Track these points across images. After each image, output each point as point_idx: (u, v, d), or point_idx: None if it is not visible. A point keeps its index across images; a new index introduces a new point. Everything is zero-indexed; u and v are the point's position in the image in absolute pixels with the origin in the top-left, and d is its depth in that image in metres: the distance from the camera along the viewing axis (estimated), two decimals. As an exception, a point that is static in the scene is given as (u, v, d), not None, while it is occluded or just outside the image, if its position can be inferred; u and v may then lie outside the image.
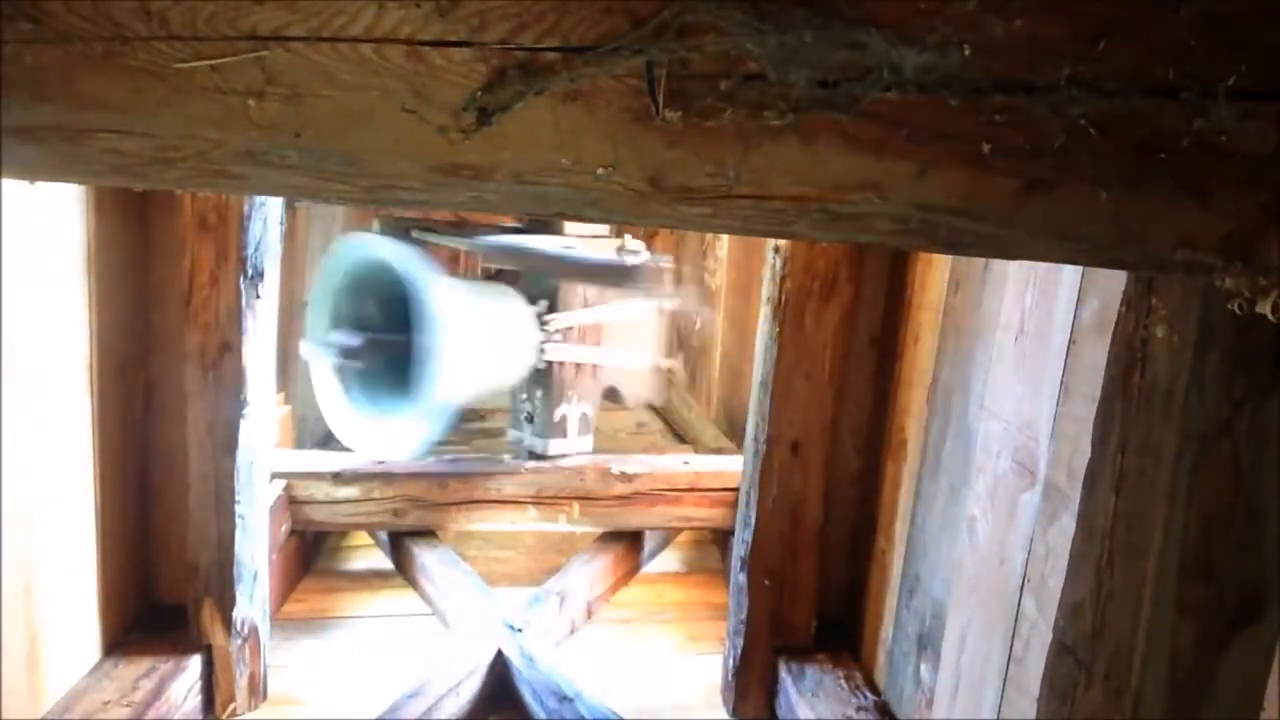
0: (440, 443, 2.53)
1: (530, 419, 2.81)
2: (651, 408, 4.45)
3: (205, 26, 0.62)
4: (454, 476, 2.68)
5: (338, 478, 2.62)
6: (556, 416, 2.75)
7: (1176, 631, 0.85)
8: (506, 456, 2.81)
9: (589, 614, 2.68)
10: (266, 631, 2.22)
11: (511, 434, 2.91)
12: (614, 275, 2.70)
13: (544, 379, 2.76)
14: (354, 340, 2.32)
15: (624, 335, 2.92)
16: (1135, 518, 0.88)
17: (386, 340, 2.40)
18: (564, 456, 2.77)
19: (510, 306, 2.68)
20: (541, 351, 2.69)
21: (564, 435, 2.78)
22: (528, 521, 2.72)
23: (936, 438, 1.83)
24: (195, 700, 2.07)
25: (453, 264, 4.09)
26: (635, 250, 2.73)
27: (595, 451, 2.87)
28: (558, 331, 2.71)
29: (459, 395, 2.45)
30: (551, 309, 2.72)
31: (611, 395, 2.98)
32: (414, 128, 0.65)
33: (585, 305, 2.78)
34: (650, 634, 2.64)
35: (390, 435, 2.39)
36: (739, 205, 0.69)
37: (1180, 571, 0.84)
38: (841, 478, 2.23)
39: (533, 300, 2.72)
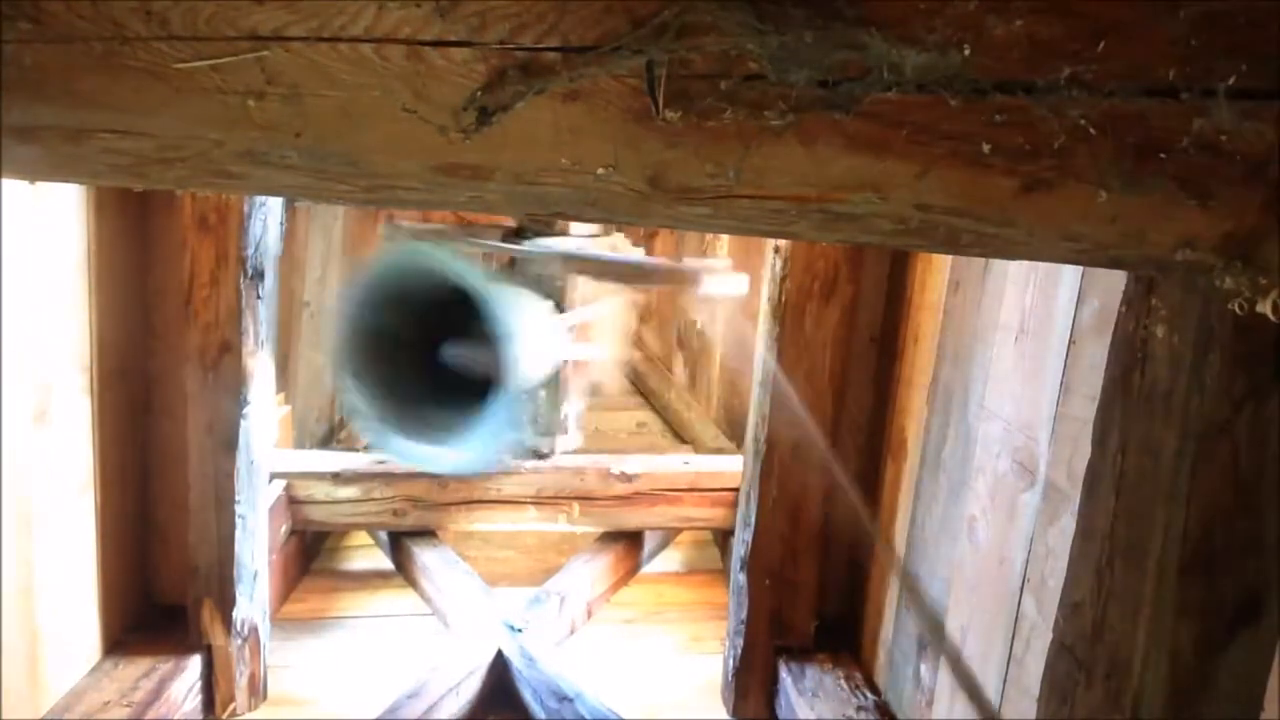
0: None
1: (534, 419, 2.80)
2: (652, 408, 4.47)
3: (205, 26, 0.62)
4: (454, 476, 2.68)
5: (338, 478, 2.62)
6: (562, 414, 2.74)
7: (1176, 631, 0.85)
8: (506, 456, 2.81)
9: (589, 614, 2.68)
10: (266, 631, 2.22)
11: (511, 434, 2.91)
12: (678, 278, 2.70)
13: (552, 378, 2.75)
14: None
15: (600, 330, 2.92)
16: (1135, 518, 0.88)
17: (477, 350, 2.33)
18: (564, 454, 2.76)
19: (538, 310, 2.67)
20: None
21: (566, 433, 2.78)
22: (528, 521, 2.72)
23: (936, 438, 1.83)
24: (195, 700, 2.07)
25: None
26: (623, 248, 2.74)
27: (595, 451, 2.87)
28: (570, 330, 2.70)
29: (522, 393, 2.42)
30: (559, 308, 2.71)
31: (594, 390, 3.00)
32: (414, 128, 0.65)
33: (582, 303, 2.76)
34: (650, 634, 2.64)
35: (473, 447, 2.30)
36: (739, 205, 0.69)
37: (1180, 571, 0.84)
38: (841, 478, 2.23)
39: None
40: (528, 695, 2.15)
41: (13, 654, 1.67)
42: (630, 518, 2.77)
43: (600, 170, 0.67)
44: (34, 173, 0.76)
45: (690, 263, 2.75)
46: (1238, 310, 0.69)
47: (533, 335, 2.44)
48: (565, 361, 2.73)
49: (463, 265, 2.19)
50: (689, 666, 2.47)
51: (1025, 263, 1.48)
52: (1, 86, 0.64)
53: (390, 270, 2.29)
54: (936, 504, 1.81)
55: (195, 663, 2.07)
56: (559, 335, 2.64)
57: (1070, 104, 0.62)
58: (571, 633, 2.59)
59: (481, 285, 2.15)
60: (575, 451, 2.81)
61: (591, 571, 2.75)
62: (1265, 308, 0.67)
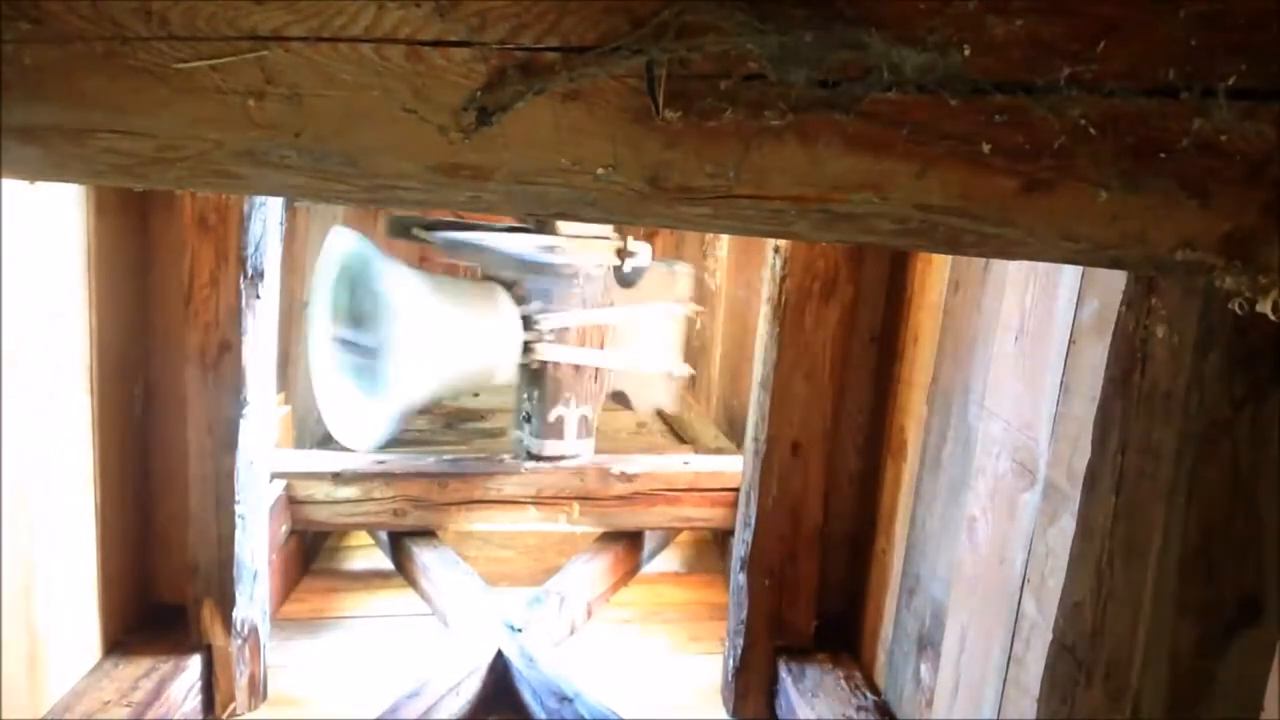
0: (396, 441, 2.56)
1: (529, 419, 2.80)
2: (659, 412, 4.44)
3: (205, 26, 0.62)
4: (454, 476, 2.68)
5: (338, 478, 2.62)
6: (551, 417, 2.74)
7: (1176, 631, 0.85)
8: (506, 456, 2.81)
9: (589, 614, 2.68)
10: (266, 631, 2.22)
11: (514, 434, 2.91)
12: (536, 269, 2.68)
13: (539, 379, 2.75)
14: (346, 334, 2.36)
15: (638, 339, 2.89)
16: (1135, 518, 0.88)
17: (355, 337, 2.43)
18: (561, 458, 2.76)
19: (487, 306, 2.66)
20: (530, 351, 2.68)
21: (560, 437, 2.77)
22: (528, 521, 2.72)
23: (936, 438, 1.83)
24: (195, 700, 2.07)
25: (451, 266, 4.09)
26: (634, 252, 2.72)
27: (595, 452, 2.87)
28: (551, 332, 2.69)
29: (416, 392, 2.47)
30: (546, 309, 2.71)
31: (619, 399, 2.96)
32: (414, 128, 0.65)
33: (584, 306, 2.76)
34: (650, 634, 2.64)
35: (358, 426, 2.42)
36: (739, 205, 0.69)
37: (1180, 571, 0.84)
38: (841, 478, 2.22)
39: (525, 301, 2.71)
40: (528, 695, 2.15)
41: (13, 654, 1.67)
42: (630, 518, 2.77)
43: (600, 170, 0.67)
44: (34, 173, 0.76)
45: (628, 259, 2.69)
46: (1237, 310, 0.69)
47: (446, 329, 2.48)
48: (553, 364, 2.71)
49: (367, 255, 2.31)
50: (689, 666, 2.47)
51: (1025, 263, 1.48)
52: (1, 86, 0.64)
53: (339, 256, 2.42)
54: (936, 504, 1.81)
55: (195, 663, 2.07)
56: (515, 335, 2.62)
57: (1070, 104, 0.62)
58: (571, 633, 2.59)
59: (374, 275, 2.33)
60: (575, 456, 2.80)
61: (591, 571, 2.75)
62: (1265, 308, 0.67)
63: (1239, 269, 0.67)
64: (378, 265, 2.37)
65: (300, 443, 3.27)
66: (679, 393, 3.12)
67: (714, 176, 0.67)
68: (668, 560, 3.10)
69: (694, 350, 4.47)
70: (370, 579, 2.86)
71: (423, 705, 2.02)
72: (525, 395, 2.82)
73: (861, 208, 0.68)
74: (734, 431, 3.56)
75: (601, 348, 2.81)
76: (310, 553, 2.92)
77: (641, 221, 0.74)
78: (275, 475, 2.50)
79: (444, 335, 2.52)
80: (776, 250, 2.06)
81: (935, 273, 1.90)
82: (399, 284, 2.40)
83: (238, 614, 2.09)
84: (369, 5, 0.61)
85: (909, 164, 0.65)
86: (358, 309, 2.52)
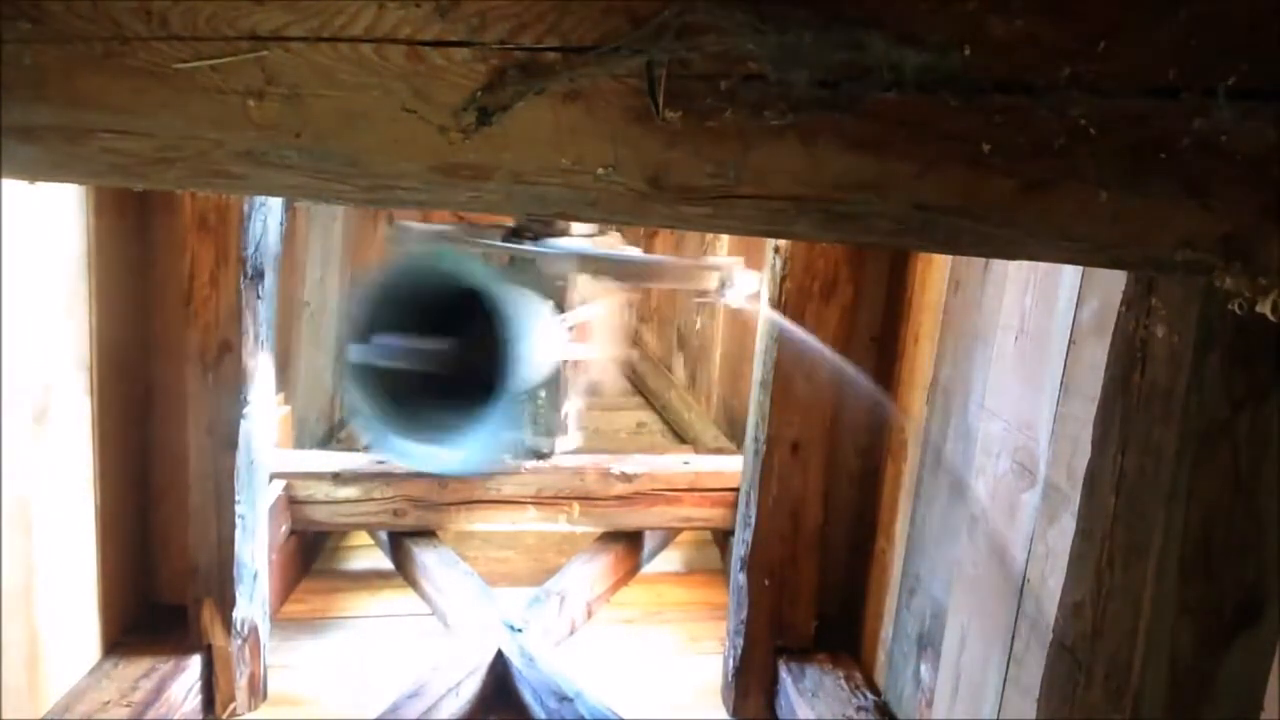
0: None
1: (534, 419, 2.80)
2: (652, 408, 4.46)
3: (205, 26, 0.62)
4: (454, 476, 2.68)
5: (338, 478, 2.62)
6: (562, 414, 2.74)
7: (1176, 631, 0.85)
8: (506, 456, 2.81)
9: (589, 614, 2.68)
10: (266, 631, 2.22)
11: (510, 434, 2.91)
12: (693, 277, 2.71)
13: (554, 378, 2.75)
14: (400, 343, 2.22)
15: (597, 329, 2.92)
16: (1135, 518, 0.88)
17: (435, 346, 2.29)
18: (564, 454, 2.76)
19: (539, 307, 2.67)
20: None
21: (566, 433, 2.77)
22: (528, 521, 2.72)
23: (936, 438, 1.83)
24: (195, 700, 2.07)
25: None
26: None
27: (595, 451, 2.87)
28: (569, 329, 2.70)
29: (522, 393, 2.42)
30: (559, 309, 2.71)
31: (593, 389, 2.99)
32: (414, 128, 0.65)
33: (582, 303, 2.76)
34: (650, 634, 2.64)
35: (465, 448, 2.29)
36: (739, 205, 0.69)
37: (1180, 571, 0.84)
38: (841, 478, 2.22)
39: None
40: (528, 695, 2.15)
41: (13, 654, 1.67)
42: (630, 518, 2.77)
43: (600, 170, 0.67)
44: (34, 173, 0.76)
45: (707, 261, 2.77)
46: (1237, 310, 0.69)
47: (535, 336, 2.43)
48: (564, 361, 2.73)
49: (477, 267, 2.20)
50: (689, 666, 2.47)
51: (1025, 263, 1.48)
52: (1, 86, 0.64)
53: (402, 272, 2.27)
54: (936, 504, 1.81)
55: (195, 663, 2.07)
56: (558, 335, 2.63)
57: (1070, 104, 0.62)
58: (571, 633, 2.59)
59: (494, 288, 2.15)
60: (575, 451, 2.81)
61: (591, 571, 2.74)
62: (1265, 308, 0.67)
63: (1239, 269, 0.67)
64: (483, 272, 2.20)
65: (300, 443, 3.27)
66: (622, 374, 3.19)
67: (714, 176, 0.67)
68: (668, 560, 3.09)
69: (694, 350, 4.48)
70: (370, 579, 2.86)
71: (423, 705, 2.02)
72: (528, 395, 2.81)
73: (861, 208, 0.68)
74: (734, 431, 3.56)
75: (585, 341, 2.82)
76: (310, 553, 2.92)
77: (642, 221, 0.74)
78: (275, 475, 2.50)
79: (541, 345, 2.47)
80: (776, 250, 2.06)
81: (935, 273, 1.89)
82: (512, 292, 2.23)
83: (238, 614, 2.09)
84: (369, 5, 0.61)
85: (909, 164, 0.65)
86: (413, 323, 2.35)
